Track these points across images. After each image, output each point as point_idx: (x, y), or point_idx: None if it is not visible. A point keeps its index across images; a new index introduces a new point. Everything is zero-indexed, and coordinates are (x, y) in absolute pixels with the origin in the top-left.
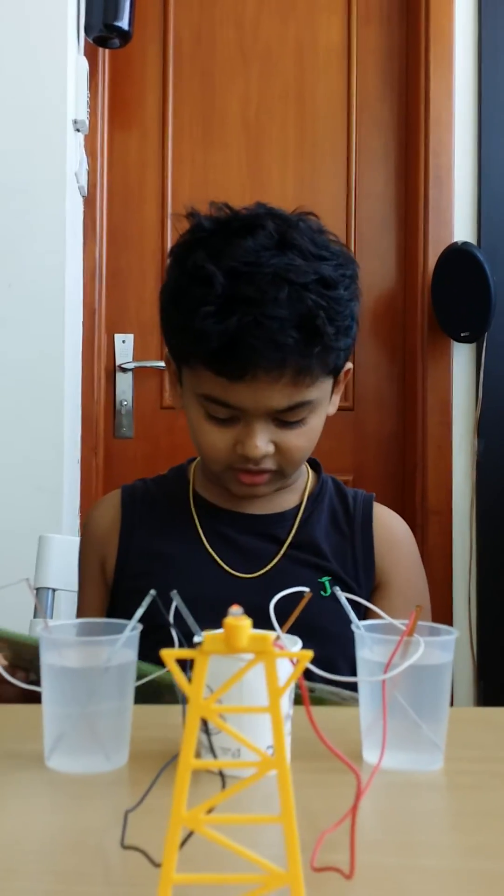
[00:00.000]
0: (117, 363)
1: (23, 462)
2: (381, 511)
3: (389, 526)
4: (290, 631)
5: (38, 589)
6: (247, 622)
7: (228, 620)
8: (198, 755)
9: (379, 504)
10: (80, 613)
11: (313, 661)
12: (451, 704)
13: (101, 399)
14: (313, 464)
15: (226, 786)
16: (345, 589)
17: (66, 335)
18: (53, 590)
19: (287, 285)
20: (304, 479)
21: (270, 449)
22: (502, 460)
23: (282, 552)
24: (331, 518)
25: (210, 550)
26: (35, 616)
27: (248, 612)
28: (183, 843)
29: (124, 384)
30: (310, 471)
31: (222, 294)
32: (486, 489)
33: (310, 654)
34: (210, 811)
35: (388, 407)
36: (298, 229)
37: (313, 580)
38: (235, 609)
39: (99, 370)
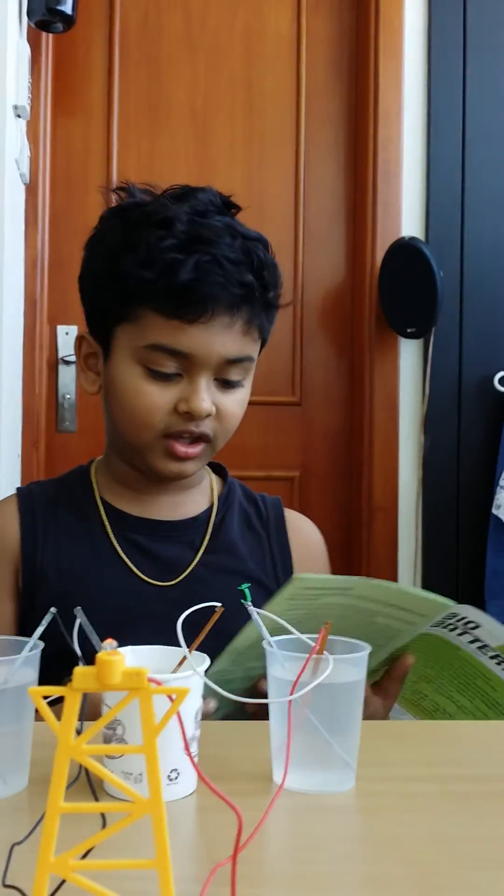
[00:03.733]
0: (60, 356)
1: None
2: (293, 515)
3: (304, 530)
4: (209, 642)
5: None
6: (119, 657)
7: (100, 655)
8: (108, 740)
9: (288, 508)
10: None
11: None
12: None
13: (43, 392)
14: (218, 468)
15: (106, 825)
16: (265, 593)
17: (3, 326)
18: None
19: (239, 236)
20: (209, 481)
21: (213, 409)
22: (448, 457)
23: (197, 558)
24: (243, 520)
25: (125, 559)
26: None
27: (167, 622)
28: (56, 890)
29: (67, 377)
30: (212, 474)
31: (183, 232)
32: (432, 485)
33: (187, 689)
34: (86, 855)
35: (335, 403)
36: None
37: (232, 586)
38: (109, 643)
39: (41, 362)
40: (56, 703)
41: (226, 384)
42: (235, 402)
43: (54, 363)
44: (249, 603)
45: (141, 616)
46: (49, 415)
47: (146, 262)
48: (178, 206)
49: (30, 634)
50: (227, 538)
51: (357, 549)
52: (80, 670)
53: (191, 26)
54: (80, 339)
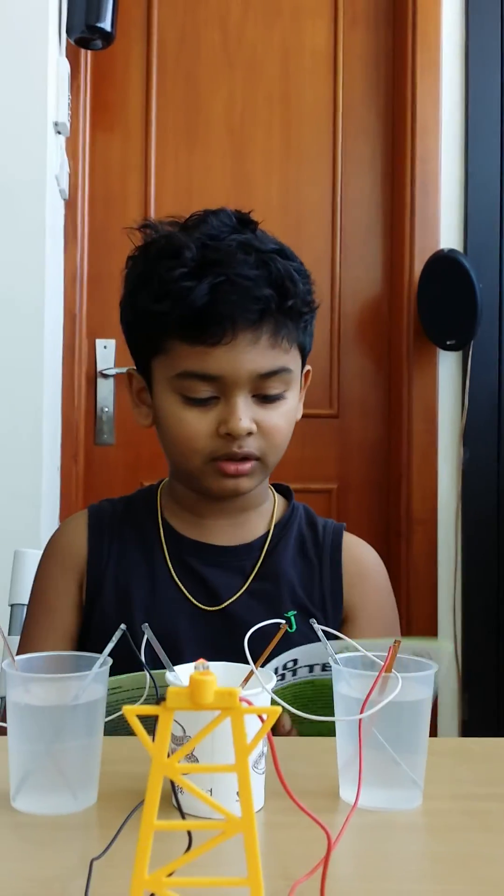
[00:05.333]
0: (98, 369)
1: (0, 468)
2: (351, 541)
3: (359, 556)
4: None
5: (12, 605)
6: (212, 677)
7: (194, 675)
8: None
9: (350, 534)
10: (50, 637)
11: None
12: (436, 715)
13: (82, 405)
14: (285, 491)
15: (193, 840)
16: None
17: (45, 340)
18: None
19: (254, 251)
20: (272, 504)
21: (253, 426)
22: (487, 469)
23: (245, 586)
24: (298, 546)
25: (177, 582)
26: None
27: (207, 646)
28: None
29: (105, 390)
30: (277, 497)
31: (193, 259)
32: (472, 498)
33: (278, 710)
34: (173, 872)
35: (373, 415)
36: (251, 218)
37: (275, 614)
38: (201, 663)
39: (80, 376)
40: None
41: (265, 399)
42: (279, 416)
43: (93, 376)
44: (313, 620)
45: (185, 638)
46: (88, 428)
47: (161, 295)
48: (188, 235)
49: (86, 648)
50: (278, 565)
51: (396, 562)
52: (174, 690)
53: (228, 42)
54: (129, 376)
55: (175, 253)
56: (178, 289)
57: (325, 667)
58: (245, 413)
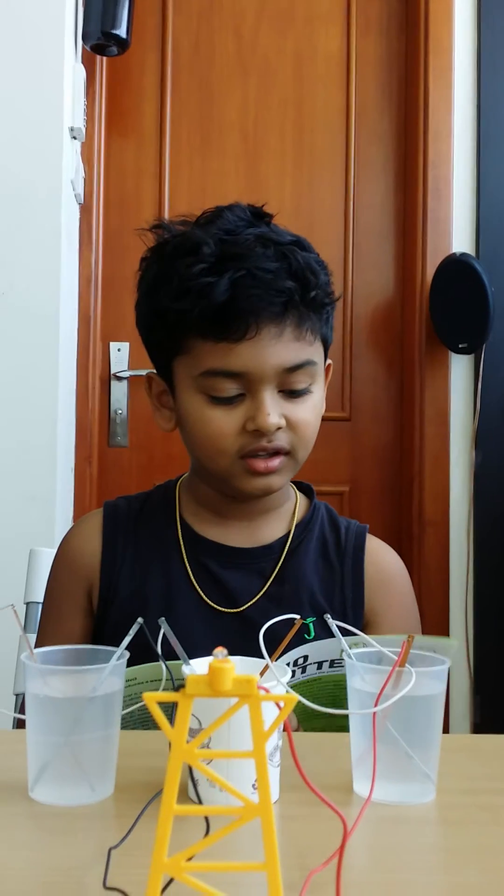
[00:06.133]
0: (112, 371)
1: (15, 470)
2: (374, 544)
3: (382, 562)
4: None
5: (28, 603)
6: (230, 665)
7: (213, 662)
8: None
9: (373, 536)
10: (56, 640)
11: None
12: (447, 717)
13: (96, 408)
14: (307, 490)
15: (210, 828)
16: (330, 630)
17: (60, 343)
18: None
19: (272, 244)
20: (293, 503)
21: (282, 421)
22: (500, 472)
23: (264, 589)
24: (320, 549)
25: (195, 583)
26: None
27: (227, 648)
28: (164, 889)
29: (119, 393)
30: (299, 496)
31: (212, 254)
32: (484, 501)
33: (295, 697)
34: (191, 857)
35: (385, 418)
36: (265, 211)
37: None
38: (220, 651)
39: (94, 378)
40: None
41: (292, 394)
42: (307, 410)
43: (107, 379)
44: (328, 616)
45: (200, 642)
46: (101, 430)
47: (181, 293)
48: (204, 231)
49: (102, 643)
50: (299, 568)
51: (408, 565)
52: (193, 677)
53: (241, 48)
54: (148, 380)
55: (193, 249)
56: (199, 285)
57: (332, 663)
58: (273, 408)
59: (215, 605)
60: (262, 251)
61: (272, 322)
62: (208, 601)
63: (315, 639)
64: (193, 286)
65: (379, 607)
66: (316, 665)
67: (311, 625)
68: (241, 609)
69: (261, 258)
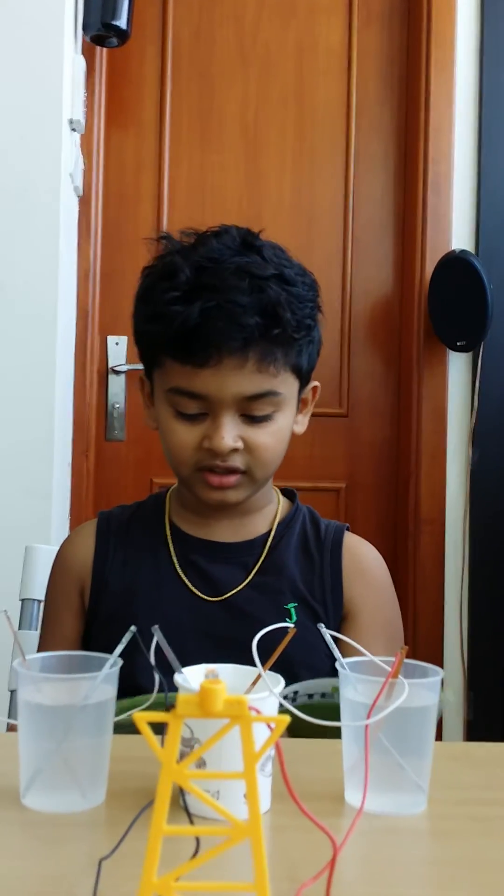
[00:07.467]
0: (110, 365)
1: (12, 464)
2: (352, 539)
3: (359, 554)
4: (248, 657)
5: (23, 600)
6: (221, 685)
7: (204, 683)
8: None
9: (352, 533)
10: (53, 643)
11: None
12: (440, 717)
13: (94, 401)
14: (290, 494)
15: (200, 844)
16: (311, 615)
17: (58, 336)
18: (39, 601)
19: (248, 277)
20: (275, 505)
21: (238, 444)
22: (497, 470)
23: (248, 579)
24: (301, 543)
25: (182, 577)
26: (21, 639)
27: (210, 637)
28: None
29: (116, 386)
30: (281, 498)
31: (186, 282)
32: (480, 498)
33: (287, 719)
34: (180, 877)
35: (382, 414)
36: (260, 239)
37: (279, 606)
38: (211, 671)
39: (91, 372)
40: None
41: (253, 419)
42: (266, 435)
43: (105, 373)
44: (321, 625)
45: (189, 630)
46: (99, 423)
47: (154, 316)
48: (186, 257)
49: (92, 647)
50: (280, 560)
51: (403, 562)
52: (184, 698)
53: (242, 41)
54: (141, 381)
55: (170, 275)
56: (171, 312)
57: (323, 695)
58: (229, 432)
59: (201, 595)
60: (235, 283)
61: (234, 353)
62: (194, 590)
63: (298, 623)
64: (165, 311)
65: (357, 596)
66: (307, 696)
67: (292, 609)
68: (226, 597)
69: (233, 291)
